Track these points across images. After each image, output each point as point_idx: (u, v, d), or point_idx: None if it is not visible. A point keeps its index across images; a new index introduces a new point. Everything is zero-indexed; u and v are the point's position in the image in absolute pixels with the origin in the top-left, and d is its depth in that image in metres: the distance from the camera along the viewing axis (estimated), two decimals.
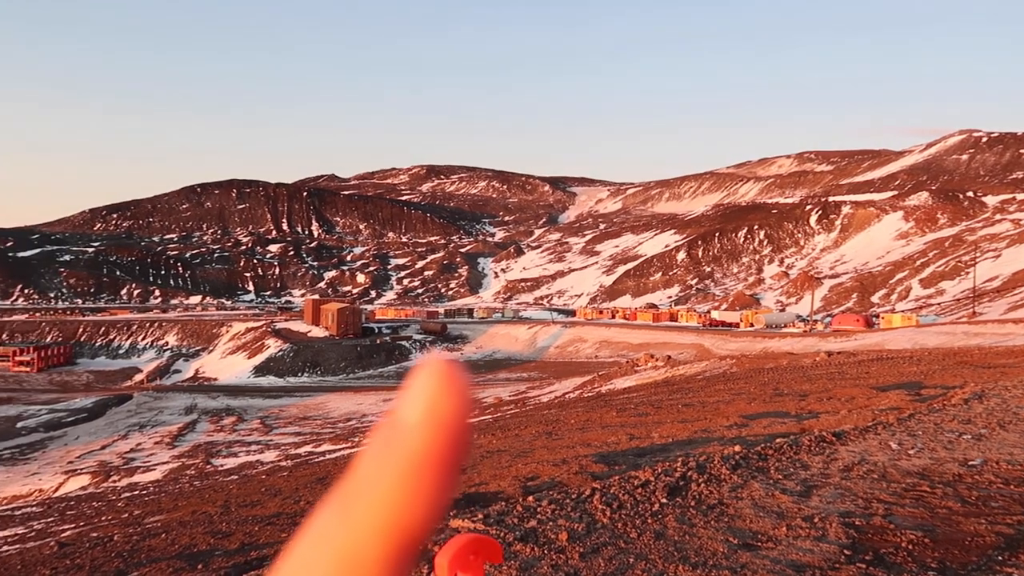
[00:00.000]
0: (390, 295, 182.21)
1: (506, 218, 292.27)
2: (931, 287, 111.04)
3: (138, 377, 78.77)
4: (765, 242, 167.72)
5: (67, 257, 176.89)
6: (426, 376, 0.43)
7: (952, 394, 13.22)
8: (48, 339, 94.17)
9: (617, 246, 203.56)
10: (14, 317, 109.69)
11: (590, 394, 34.77)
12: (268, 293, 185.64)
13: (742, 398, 18.04)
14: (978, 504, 5.94)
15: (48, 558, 9.54)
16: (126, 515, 14.65)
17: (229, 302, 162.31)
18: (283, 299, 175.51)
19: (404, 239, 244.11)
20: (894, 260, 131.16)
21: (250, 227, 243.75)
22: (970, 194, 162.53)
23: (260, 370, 72.10)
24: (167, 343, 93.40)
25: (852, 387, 17.72)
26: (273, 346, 77.30)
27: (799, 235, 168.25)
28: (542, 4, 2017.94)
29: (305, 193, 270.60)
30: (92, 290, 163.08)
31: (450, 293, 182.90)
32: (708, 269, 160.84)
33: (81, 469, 33.66)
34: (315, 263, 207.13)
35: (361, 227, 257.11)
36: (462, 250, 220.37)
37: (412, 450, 0.41)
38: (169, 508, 14.50)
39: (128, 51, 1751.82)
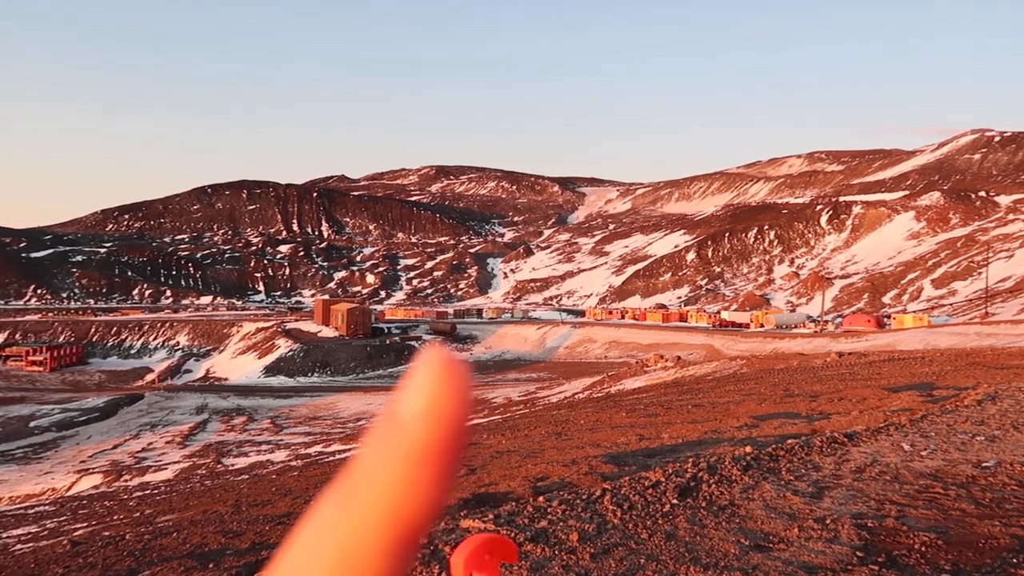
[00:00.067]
0: (400, 295, 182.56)
1: (515, 218, 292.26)
2: (943, 287, 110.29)
3: (149, 377, 79.25)
4: (775, 242, 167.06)
5: (79, 258, 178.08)
6: (426, 368, 0.43)
7: (965, 395, 13.13)
8: (61, 339, 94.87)
9: (627, 246, 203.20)
10: (27, 317, 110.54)
11: (599, 395, 34.72)
12: (278, 293, 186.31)
13: (752, 399, 17.97)
14: (992, 506, 5.90)
15: (61, 556, 9.61)
16: (138, 514, 14.73)
17: (240, 302, 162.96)
18: (293, 299, 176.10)
19: (413, 239, 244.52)
20: (906, 260, 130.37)
21: (260, 228, 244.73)
22: (982, 194, 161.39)
23: (270, 370, 72.40)
24: (178, 343, 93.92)
25: (863, 388, 17.63)
26: (283, 346, 77.60)
27: (810, 235, 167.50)
28: (551, 3, 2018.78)
29: (315, 194, 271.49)
30: (104, 290, 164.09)
31: (459, 293, 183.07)
32: (718, 269, 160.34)
33: (93, 468, 33.87)
34: (325, 263, 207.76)
35: (371, 227, 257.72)
36: (471, 250, 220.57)
37: (412, 442, 0.41)
38: (180, 507, 14.57)
39: (139, 52, 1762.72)
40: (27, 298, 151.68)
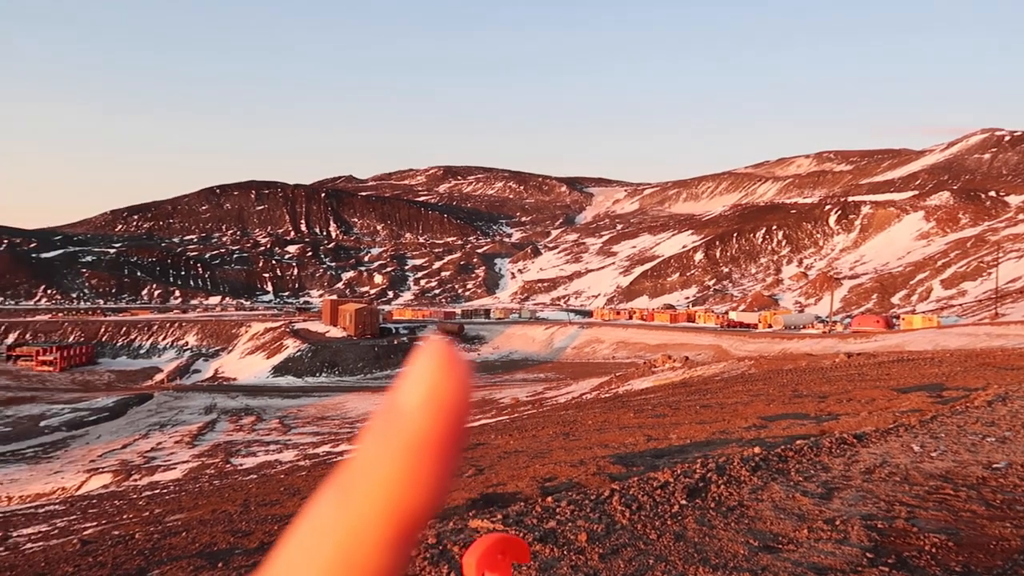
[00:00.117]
0: (407, 296, 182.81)
1: (523, 219, 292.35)
2: (953, 288, 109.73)
3: (158, 377, 79.59)
4: (784, 242, 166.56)
5: (89, 258, 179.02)
6: (425, 360, 0.43)
7: (975, 396, 13.07)
8: (71, 339, 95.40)
9: (634, 247, 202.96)
10: (37, 317, 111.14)
11: (607, 395, 34.69)
12: (286, 294, 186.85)
13: (760, 399, 17.92)
14: (1003, 507, 5.86)
15: (71, 555, 9.65)
16: (147, 513, 14.79)
17: (248, 302, 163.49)
18: (301, 300, 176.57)
19: (421, 240, 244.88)
20: (915, 261, 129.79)
21: (269, 228, 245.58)
22: (992, 194, 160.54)
23: (279, 370, 72.61)
24: (187, 343, 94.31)
25: (872, 389, 17.56)
26: (291, 346, 77.82)
27: (818, 235, 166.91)
28: (559, 3, 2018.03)
29: (323, 194, 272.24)
30: (113, 290, 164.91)
31: (467, 294, 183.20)
32: (726, 270, 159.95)
33: (103, 468, 34.04)
34: (333, 264, 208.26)
35: (378, 228, 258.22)
36: (479, 251, 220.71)
37: (412, 434, 0.41)
38: (189, 507, 14.62)
39: (147, 53, 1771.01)
40: (37, 298, 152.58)
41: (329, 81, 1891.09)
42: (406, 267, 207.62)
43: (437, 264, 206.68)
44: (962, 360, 26.62)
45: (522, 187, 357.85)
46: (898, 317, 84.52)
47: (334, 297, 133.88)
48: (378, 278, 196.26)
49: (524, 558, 0.69)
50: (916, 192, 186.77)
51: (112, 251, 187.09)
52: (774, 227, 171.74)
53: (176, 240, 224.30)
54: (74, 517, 16.67)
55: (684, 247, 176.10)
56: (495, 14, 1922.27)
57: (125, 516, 15.04)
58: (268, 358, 77.34)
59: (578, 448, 12.34)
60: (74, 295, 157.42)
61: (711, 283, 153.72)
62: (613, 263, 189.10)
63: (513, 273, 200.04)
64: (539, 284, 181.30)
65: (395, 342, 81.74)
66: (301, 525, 0.41)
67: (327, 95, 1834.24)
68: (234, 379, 73.70)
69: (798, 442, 8.58)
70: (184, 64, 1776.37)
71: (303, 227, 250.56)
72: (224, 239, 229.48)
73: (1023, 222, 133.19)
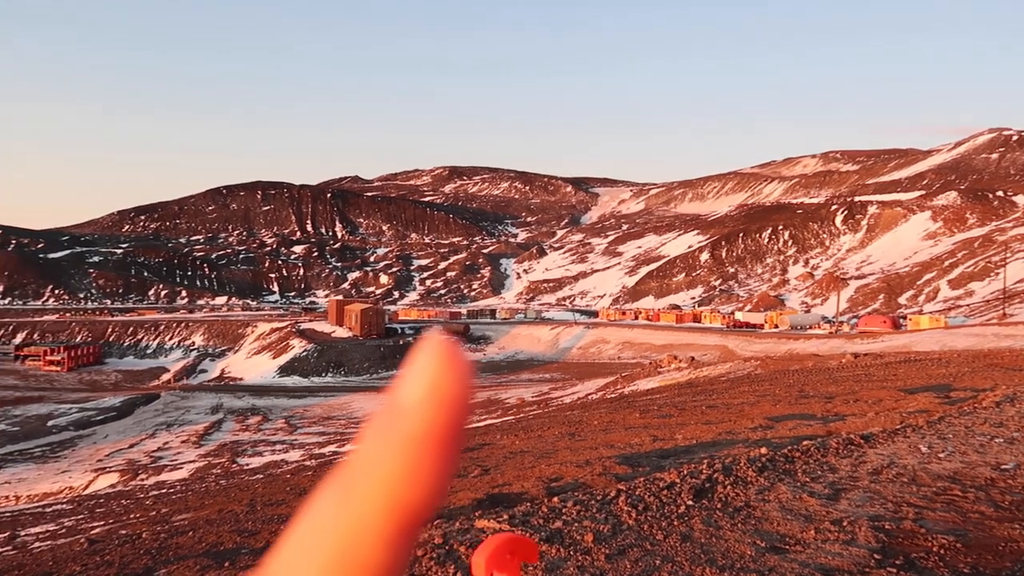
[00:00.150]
0: (413, 296, 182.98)
1: (528, 219, 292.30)
2: (960, 288, 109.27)
3: (165, 376, 79.85)
4: (790, 243, 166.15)
5: (96, 258, 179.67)
6: (426, 354, 0.43)
7: (983, 397, 13.02)
8: (78, 339, 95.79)
9: (640, 247, 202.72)
10: (45, 317, 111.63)
11: (613, 395, 34.66)
12: (292, 294, 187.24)
13: (767, 400, 17.89)
14: (1012, 509, 5.84)
15: (79, 554, 9.69)
16: (154, 513, 14.84)
17: (254, 303, 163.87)
18: (307, 300, 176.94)
19: (427, 240, 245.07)
20: (922, 261, 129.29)
21: (275, 228, 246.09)
22: (1000, 193, 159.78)
23: (285, 370, 72.76)
24: (194, 343, 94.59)
25: (879, 389, 17.50)
26: (298, 346, 77.97)
27: (824, 235, 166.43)
28: (565, 3, 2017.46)
29: (329, 194, 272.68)
30: (120, 291, 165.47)
31: (472, 294, 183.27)
32: (732, 270, 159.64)
33: (110, 467, 34.16)
34: (339, 264, 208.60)
35: (384, 228, 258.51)
36: (484, 251, 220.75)
37: (413, 429, 0.40)
38: (196, 506, 14.66)
39: (155, 53, 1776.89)
40: (45, 298, 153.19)
41: (335, 82, 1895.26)
42: (412, 267, 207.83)
43: (443, 264, 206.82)
44: (970, 361, 26.52)
45: (527, 187, 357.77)
46: (905, 317, 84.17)
47: (340, 297, 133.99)
48: (384, 278, 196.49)
49: (533, 558, 0.69)
50: (923, 192, 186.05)
51: (119, 251, 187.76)
52: (780, 227, 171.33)
53: (183, 240, 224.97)
54: (81, 516, 16.73)
55: (690, 247, 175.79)
56: (500, 14, 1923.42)
57: (132, 515, 15.09)
58: (274, 358, 77.52)
59: (584, 448, 12.33)
60: (81, 295, 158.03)
61: (717, 283, 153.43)
62: (619, 263, 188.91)
63: (519, 273, 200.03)
64: (544, 284, 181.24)
65: (401, 342, 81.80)
66: (301, 523, 0.41)
67: (333, 96, 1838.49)
68: (240, 379, 73.88)
69: (805, 443, 8.56)
70: (191, 64, 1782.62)
71: (309, 227, 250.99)
72: (230, 239, 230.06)
73: None
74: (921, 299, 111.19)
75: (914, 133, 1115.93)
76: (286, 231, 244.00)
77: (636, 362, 62.96)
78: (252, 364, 79.09)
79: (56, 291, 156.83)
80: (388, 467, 0.40)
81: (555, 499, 6.55)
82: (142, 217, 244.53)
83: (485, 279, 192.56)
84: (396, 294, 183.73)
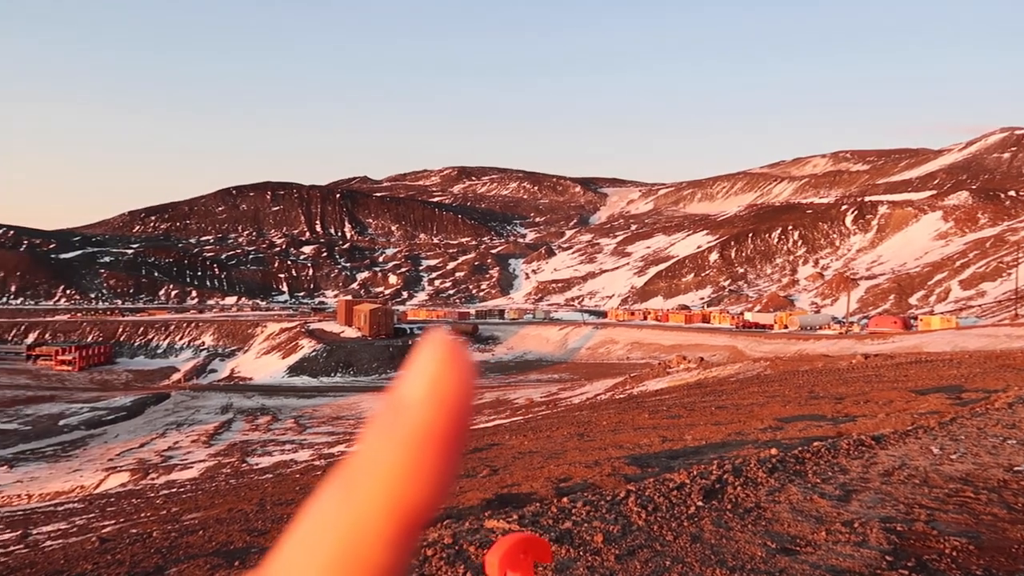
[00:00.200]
0: (422, 296, 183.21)
1: (537, 219, 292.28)
2: (971, 288, 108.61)
3: (175, 376, 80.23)
4: (799, 243, 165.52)
5: (107, 259, 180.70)
6: (428, 353, 0.42)
7: (995, 398, 12.94)
8: (89, 339, 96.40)
9: (649, 247, 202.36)
10: (56, 317, 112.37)
11: (622, 396, 34.62)
12: (302, 294, 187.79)
13: (776, 401, 17.82)
14: None
15: (90, 553, 9.74)
16: (164, 512, 14.91)
17: (264, 303, 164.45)
18: (316, 300, 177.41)
19: (435, 240, 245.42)
20: (933, 261, 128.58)
21: (284, 229, 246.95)
22: (1012, 193, 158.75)
23: (294, 370, 72.99)
24: (203, 343, 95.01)
25: (890, 390, 17.41)
26: (307, 346, 78.20)
27: (834, 235, 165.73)
28: (573, 5, 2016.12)
29: (338, 195, 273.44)
30: (131, 291, 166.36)
31: (481, 294, 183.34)
32: (741, 270, 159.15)
33: (121, 466, 34.34)
34: (348, 264, 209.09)
35: (393, 228, 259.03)
36: (493, 251, 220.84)
37: (415, 427, 0.40)
38: (206, 506, 14.72)
39: (165, 55, 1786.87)
40: (56, 298, 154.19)
41: (344, 82, 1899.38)
42: (420, 267, 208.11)
43: (451, 265, 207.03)
44: (981, 362, 26.36)
45: (536, 187, 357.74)
46: (916, 318, 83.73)
47: (349, 297, 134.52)
48: (393, 278, 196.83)
49: (546, 558, 0.69)
50: (934, 192, 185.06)
51: (130, 252, 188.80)
52: (790, 227, 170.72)
53: (193, 241, 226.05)
54: (93, 515, 16.82)
55: (699, 247, 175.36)
56: (509, 14, 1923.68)
57: (143, 514, 15.17)
58: (283, 358, 77.78)
59: (593, 449, 12.31)
60: (92, 295, 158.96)
61: (726, 284, 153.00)
62: (627, 263, 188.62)
63: (527, 274, 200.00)
64: (553, 285, 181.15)
65: (409, 342, 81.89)
66: (302, 522, 0.41)
67: (342, 96, 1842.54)
68: (250, 379, 74.17)
69: (815, 444, 8.52)
70: (200, 65, 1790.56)
71: (318, 228, 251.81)
72: (240, 240, 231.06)
73: None
74: (932, 300, 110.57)
75: (925, 133, 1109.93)
76: (295, 231, 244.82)
77: (645, 363, 62.86)
78: (262, 364, 79.39)
79: (68, 291, 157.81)
80: (390, 466, 0.40)
81: (564, 499, 6.55)
82: (153, 218, 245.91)
83: (494, 279, 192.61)
84: (405, 294, 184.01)
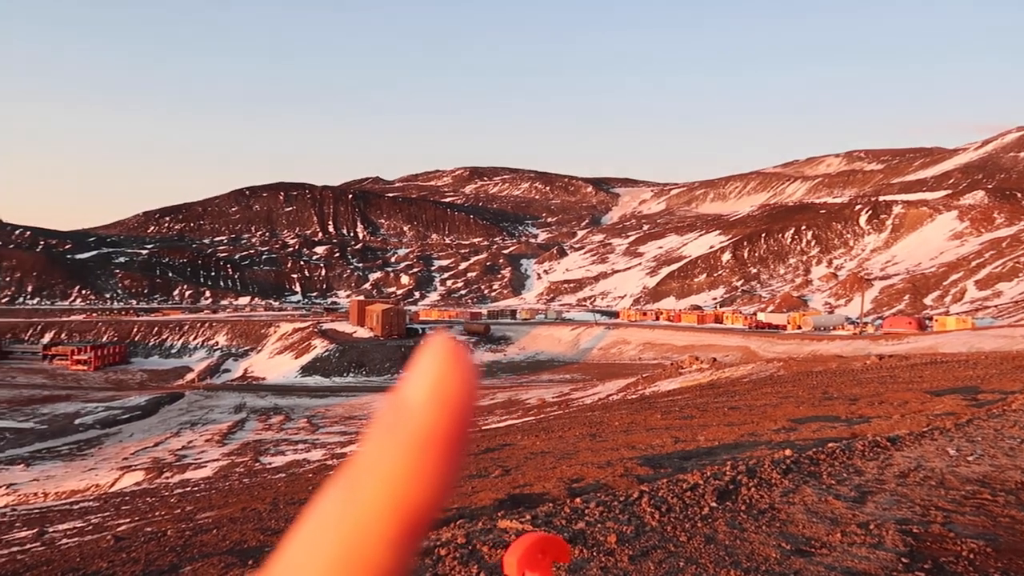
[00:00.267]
0: (434, 296, 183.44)
1: (549, 219, 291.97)
2: (987, 289, 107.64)
3: (189, 376, 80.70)
4: (813, 243, 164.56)
5: (122, 259, 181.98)
6: (431, 355, 0.42)
7: (1012, 399, 12.82)
8: (104, 339, 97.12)
9: (661, 247, 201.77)
10: (72, 317, 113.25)
11: (634, 396, 34.54)
12: (314, 294, 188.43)
13: (790, 401, 17.72)
14: None
15: (105, 551, 9.82)
16: (178, 511, 15.00)
17: (277, 303, 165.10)
18: (329, 300, 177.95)
19: (447, 241, 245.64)
20: (948, 261, 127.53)
21: (297, 229, 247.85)
22: None
23: (307, 370, 73.26)
24: (217, 343, 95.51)
25: (905, 391, 17.28)
26: (319, 346, 78.47)
27: (848, 235, 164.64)
28: (584, 6, 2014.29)
29: (350, 195, 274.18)
30: (146, 291, 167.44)
31: (493, 294, 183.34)
32: (754, 270, 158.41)
33: (135, 465, 34.58)
34: (360, 264, 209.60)
35: (405, 229, 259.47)
36: (505, 251, 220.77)
37: (417, 429, 0.40)
38: (220, 504, 14.80)
39: (177, 57, 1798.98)
40: (72, 299, 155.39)
41: (356, 83, 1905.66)
42: (432, 268, 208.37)
43: (463, 265, 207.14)
44: (998, 362, 26.11)
45: (548, 188, 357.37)
46: (931, 318, 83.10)
47: (361, 298, 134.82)
48: (405, 279, 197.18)
49: (564, 558, 0.69)
50: (949, 191, 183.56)
51: (144, 252, 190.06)
52: (803, 227, 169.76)
53: (206, 241, 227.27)
54: (108, 513, 16.95)
55: (711, 247, 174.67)
56: (521, 15, 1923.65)
57: (157, 513, 15.26)
58: (296, 358, 78.07)
59: (605, 449, 12.29)
60: (107, 295, 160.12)
61: (739, 284, 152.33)
62: (639, 264, 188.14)
63: (539, 274, 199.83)
64: (565, 285, 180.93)
65: (422, 342, 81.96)
66: (305, 523, 0.41)
67: (354, 97, 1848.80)
68: (263, 379, 74.50)
69: (830, 445, 8.46)
70: (214, 67, 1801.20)
71: (331, 228, 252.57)
72: (253, 240, 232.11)
73: None
74: (947, 300, 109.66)
75: (940, 132, 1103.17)
76: (308, 232, 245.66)
77: (657, 363, 62.70)
78: (274, 364, 79.73)
79: (83, 291, 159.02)
80: (392, 468, 0.40)
81: (577, 500, 6.54)
82: (167, 218, 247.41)
83: (505, 280, 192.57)
84: (417, 294, 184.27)
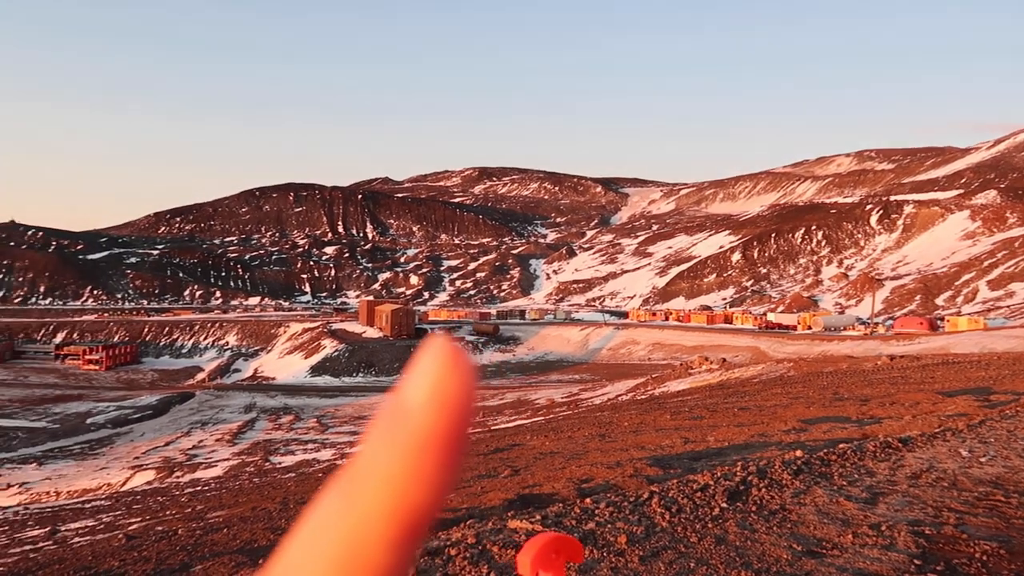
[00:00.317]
0: (443, 296, 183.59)
1: (558, 219, 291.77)
2: (1000, 289, 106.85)
3: (200, 376, 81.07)
4: (823, 243, 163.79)
5: (133, 259, 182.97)
6: (430, 356, 0.43)
7: None
8: (116, 339, 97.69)
9: (670, 247, 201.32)
10: (84, 317, 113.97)
11: (643, 396, 34.47)
12: (324, 294, 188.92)
13: (800, 402, 17.65)
14: None
15: (117, 550, 9.87)
16: (189, 510, 15.07)
17: (287, 303, 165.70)
18: (338, 300, 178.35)
19: (456, 241, 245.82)
20: (960, 261, 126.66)
21: (307, 229, 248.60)
22: None
23: (316, 370, 73.45)
24: (227, 343, 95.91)
25: (916, 392, 17.18)
26: (329, 346, 78.66)
27: (859, 235, 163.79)
28: (593, 6, 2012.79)
29: (360, 196, 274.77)
30: (157, 291, 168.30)
31: (502, 295, 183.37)
32: (764, 270, 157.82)
33: (147, 464, 34.76)
34: (369, 265, 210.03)
35: (414, 229, 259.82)
36: (514, 252, 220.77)
37: (416, 431, 0.40)
38: (230, 504, 14.85)
39: (189, 59, 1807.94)
40: (84, 299, 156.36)
41: (365, 84, 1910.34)
42: (442, 268, 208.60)
43: (472, 265, 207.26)
44: (1010, 363, 25.93)
45: (557, 188, 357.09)
46: (942, 319, 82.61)
47: (371, 298, 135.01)
48: (414, 279, 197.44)
49: (578, 558, 0.69)
50: (961, 191, 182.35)
51: (155, 252, 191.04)
52: (813, 227, 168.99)
53: (217, 242, 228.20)
54: (119, 512, 17.04)
55: (721, 248, 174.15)
56: (528, 16, 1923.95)
57: (168, 512, 15.33)
58: (306, 358, 78.31)
59: (614, 450, 12.27)
60: (119, 296, 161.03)
61: (749, 284, 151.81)
62: (649, 264, 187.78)
63: (548, 274, 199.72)
64: (574, 285, 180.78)
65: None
66: (305, 524, 0.41)
67: (363, 98, 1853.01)
68: (273, 378, 74.76)
69: (841, 446, 8.42)
70: (224, 67, 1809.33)
71: (340, 229, 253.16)
72: (263, 241, 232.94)
73: None
74: (959, 300, 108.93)
75: (951, 131, 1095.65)
76: (318, 232, 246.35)
77: (667, 363, 62.56)
78: (284, 364, 79.98)
79: (95, 292, 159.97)
80: (392, 469, 0.40)
81: (587, 500, 6.53)
82: (177, 219, 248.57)
83: (515, 280, 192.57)
84: (426, 295, 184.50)
